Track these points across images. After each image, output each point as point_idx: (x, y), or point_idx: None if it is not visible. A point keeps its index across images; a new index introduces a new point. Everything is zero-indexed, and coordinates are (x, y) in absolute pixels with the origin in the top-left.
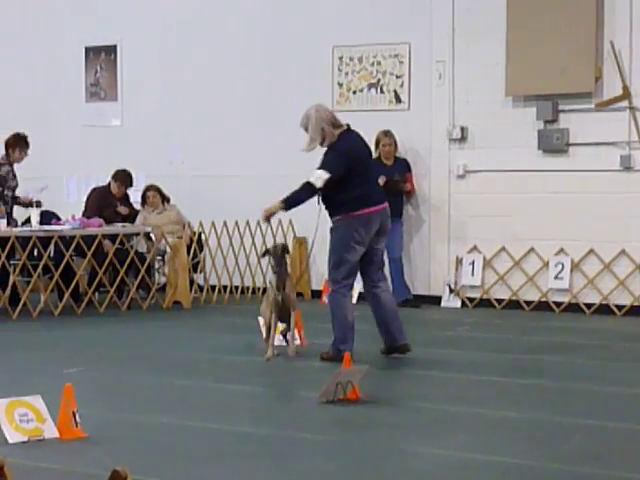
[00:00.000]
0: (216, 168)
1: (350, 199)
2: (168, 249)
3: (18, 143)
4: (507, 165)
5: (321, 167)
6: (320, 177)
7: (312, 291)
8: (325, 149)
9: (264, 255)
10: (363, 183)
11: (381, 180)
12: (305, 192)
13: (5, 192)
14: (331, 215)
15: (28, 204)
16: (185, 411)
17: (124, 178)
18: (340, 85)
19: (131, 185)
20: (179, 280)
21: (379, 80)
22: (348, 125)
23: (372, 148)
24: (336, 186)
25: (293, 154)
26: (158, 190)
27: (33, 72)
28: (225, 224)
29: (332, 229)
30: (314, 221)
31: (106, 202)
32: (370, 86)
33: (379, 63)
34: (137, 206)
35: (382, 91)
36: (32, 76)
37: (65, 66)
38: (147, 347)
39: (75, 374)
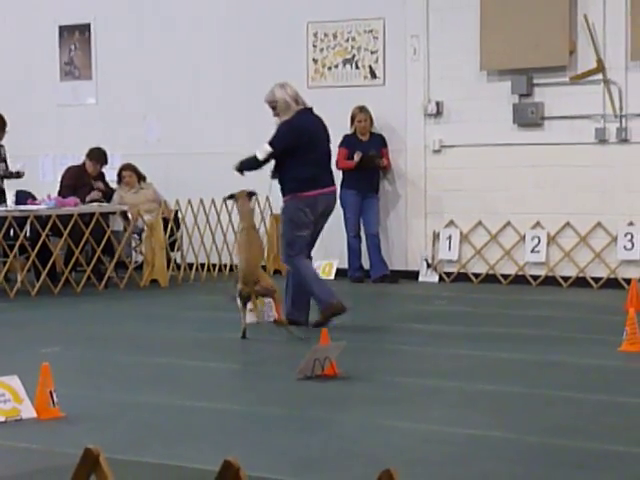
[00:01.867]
0: (192, 146)
1: (298, 179)
2: (145, 227)
3: None
4: (483, 139)
5: (270, 140)
6: (263, 150)
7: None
8: (278, 124)
9: (229, 198)
10: (313, 165)
11: (357, 156)
12: (249, 162)
13: None
14: (282, 194)
15: (9, 175)
16: (163, 389)
17: (99, 156)
18: (315, 61)
19: (106, 163)
20: (156, 259)
21: (354, 56)
22: (310, 107)
23: (348, 124)
24: (286, 164)
25: (270, 131)
26: (134, 169)
27: (7, 52)
28: (202, 202)
29: (282, 209)
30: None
31: (81, 181)
32: (345, 62)
33: (354, 39)
34: (113, 185)
35: (357, 67)
36: (6, 56)
37: (39, 45)
38: (125, 326)
39: (52, 354)
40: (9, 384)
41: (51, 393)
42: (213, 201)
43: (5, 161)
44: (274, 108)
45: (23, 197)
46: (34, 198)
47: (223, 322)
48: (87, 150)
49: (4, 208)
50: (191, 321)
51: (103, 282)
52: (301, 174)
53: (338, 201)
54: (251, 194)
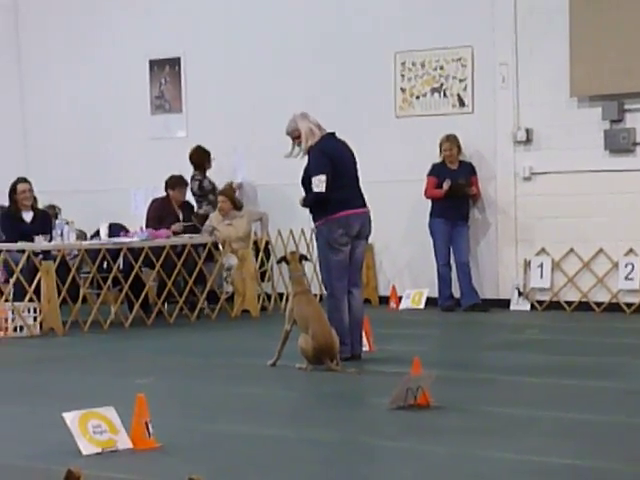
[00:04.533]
0: (280, 177)
1: (329, 202)
2: (235, 261)
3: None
4: (573, 166)
5: (313, 173)
6: (319, 182)
7: (379, 297)
8: (309, 152)
9: (280, 261)
10: (343, 187)
11: (446, 185)
12: (312, 199)
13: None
14: (313, 219)
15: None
16: (256, 419)
17: (178, 182)
18: (403, 90)
19: (186, 185)
20: (247, 289)
21: (442, 84)
22: (333, 133)
23: (437, 153)
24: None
25: (359, 159)
26: (230, 196)
27: (100, 87)
28: (291, 232)
29: (316, 234)
30: (383, 226)
31: (166, 211)
32: (433, 90)
33: (442, 67)
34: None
35: (445, 95)
36: (99, 91)
37: (131, 79)
38: (217, 356)
39: (147, 384)
40: (105, 415)
41: (147, 424)
42: (302, 231)
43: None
44: (296, 138)
45: (116, 230)
46: (127, 230)
47: None
48: (165, 181)
49: (98, 241)
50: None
51: (195, 313)
52: (331, 196)
53: (428, 231)
54: (302, 257)
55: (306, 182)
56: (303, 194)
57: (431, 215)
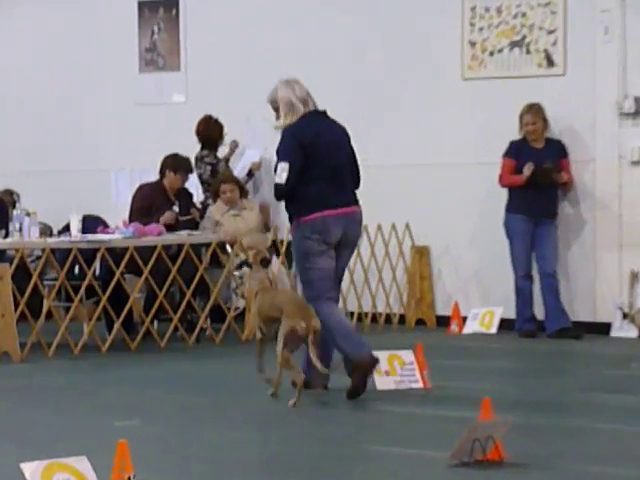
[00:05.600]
0: None
1: (301, 198)
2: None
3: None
4: None
5: (278, 158)
6: (282, 170)
7: (437, 317)
8: (282, 132)
9: (239, 268)
10: (318, 179)
11: (527, 169)
12: (276, 194)
13: None
14: (289, 220)
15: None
16: (267, 474)
17: (179, 165)
18: (472, 45)
19: (191, 172)
20: None
21: (524, 37)
22: (323, 111)
23: (515, 127)
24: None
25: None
26: (237, 182)
27: (72, 35)
28: None
29: (292, 241)
30: (443, 223)
31: (157, 201)
32: (513, 45)
33: (524, 15)
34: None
35: (528, 51)
36: (71, 40)
37: (113, 26)
38: (221, 393)
39: (130, 428)
40: (75, 467)
41: (129, 479)
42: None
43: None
44: (276, 110)
45: (92, 224)
46: (105, 225)
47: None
48: (163, 160)
49: (67, 238)
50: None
51: (194, 335)
52: (305, 191)
53: (504, 231)
54: (265, 260)
55: (276, 167)
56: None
57: (507, 210)
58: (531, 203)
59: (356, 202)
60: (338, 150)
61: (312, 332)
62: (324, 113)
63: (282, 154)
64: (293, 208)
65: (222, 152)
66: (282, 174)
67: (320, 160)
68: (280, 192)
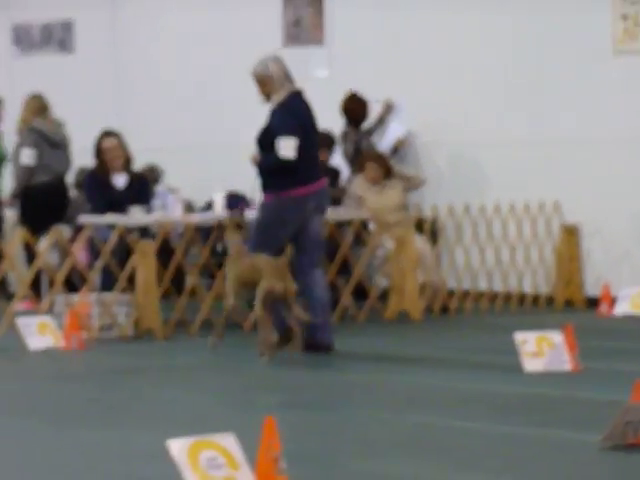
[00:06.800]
0: (457, 134)
1: (284, 173)
2: (390, 245)
3: None
4: None
5: (282, 133)
6: (289, 146)
7: (587, 298)
8: (273, 108)
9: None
10: (302, 156)
11: None
12: (277, 167)
13: None
14: (263, 190)
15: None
16: (416, 455)
17: (322, 140)
18: (625, 18)
19: (334, 147)
20: (407, 283)
21: None
22: (300, 91)
23: None
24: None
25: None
26: (382, 161)
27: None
28: (467, 209)
29: (260, 206)
30: (594, 202)
31: None
32: None
33: None
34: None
35: None
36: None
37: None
38: (359, 372)
39: (277, 404)
40: (222, 444)
41: (276, 457)
42: (483, 208)
43: None
44: (264, 85)
45: (235, 201)
46: (247, 203)
47: (499, 369)
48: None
49: (212, 215)
50: (455, 367)
51: (336, 312)
52: (288, 167)
53: None
54: (237, 225)
55: (264, 142)
56: (256, 153)
57: None
58: None
59: (321, 174)
60: (314, 130)
61: (289, 292)
62: (301, 93)
63: (287, 129)
64: (275, 180)
65: (375, 111)
66: (289, 149)
67: (302, 137)
68: (285, 165)
